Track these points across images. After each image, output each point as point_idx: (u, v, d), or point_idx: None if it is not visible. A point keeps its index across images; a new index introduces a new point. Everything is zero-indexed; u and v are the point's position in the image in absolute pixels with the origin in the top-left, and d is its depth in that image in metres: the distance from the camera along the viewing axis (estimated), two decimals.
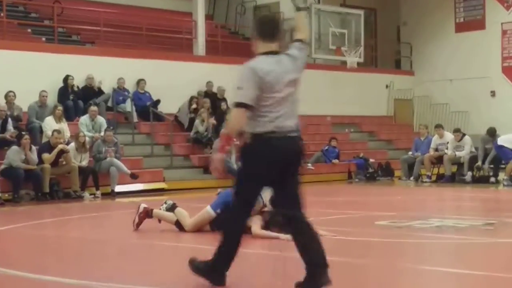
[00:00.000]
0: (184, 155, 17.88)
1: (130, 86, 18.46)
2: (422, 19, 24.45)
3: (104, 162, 15.03)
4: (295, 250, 5.07)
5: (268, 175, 5.01)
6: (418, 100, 24.49)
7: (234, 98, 4.99)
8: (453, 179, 17.49)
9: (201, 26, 20.50)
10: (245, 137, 5.06)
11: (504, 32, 22.97)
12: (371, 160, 19.80)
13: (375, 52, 25.57)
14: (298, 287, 5.04)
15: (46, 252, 7.79)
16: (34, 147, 14.25)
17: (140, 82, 18.53)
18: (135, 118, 18.06)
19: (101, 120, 16.29)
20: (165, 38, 21.05)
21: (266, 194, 8.20)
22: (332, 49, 22.38)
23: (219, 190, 8.98)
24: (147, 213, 8.66)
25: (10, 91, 15.43)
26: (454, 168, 17.74)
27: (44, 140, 15.03)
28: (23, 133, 14.52)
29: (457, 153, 17.46)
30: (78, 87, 17.29)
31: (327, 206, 12.08)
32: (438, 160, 17.92)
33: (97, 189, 14.69)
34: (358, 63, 22.85)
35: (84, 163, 14.81)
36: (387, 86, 24.28)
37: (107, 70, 17.84)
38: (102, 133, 15.66)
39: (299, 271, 5.04)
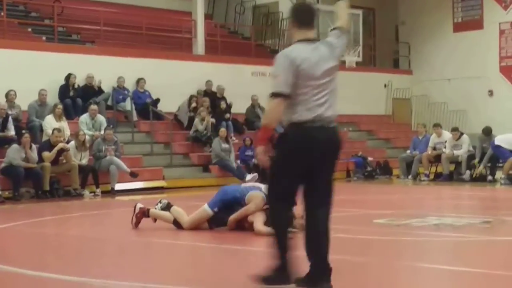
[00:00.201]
0: (184, 154, 17.93)
1: (130, 85, 18.50)
2: (420, 18, 24.50)
3: (104, 161, 15.09)
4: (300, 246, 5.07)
5: (304, 165, 4.86)
6: (416, 99, 24.56)
7: (270, 88, 4.84)
8: (451, 177, 17.55)
9: (200, 25, 20.54)
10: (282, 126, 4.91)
11: (502, 32, 23.03)
12: (370, 158, 19.86)
13: (374, 52, 25.61)
14: (297, 282, 5.05)
15: (46, 250, 7.83)
16: (34, 146, 14.30)
17: (140, 81, 18.57)
18: (135, 117, 18.11)
19: (101, 118, 16.34)
20: (164, 37, 21.09)
21: None
22: None
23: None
24: (144, 213, 8.69)
25: (11, 90, 15.47)
26: (452, 167, 17.81)
27: (44, 138, 15.08)
28: (23, 131, 14.57)
29: (455, 152, 17.52)
30: (78, 85, 17.34)
31: None
32: (436, 159, 17.98)
33: (97, 187, 14.73)
34: (357, 63, 22.88)
35: (84, 161, 14.86)
36: (385, 86, 24.33)
37: (107, 69, 17.88)
38: (102, 132, 15.71)
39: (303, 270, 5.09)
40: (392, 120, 24.56)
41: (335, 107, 4.92)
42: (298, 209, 8.11)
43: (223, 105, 18.98)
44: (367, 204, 12.62)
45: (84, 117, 16.19)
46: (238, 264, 6.61)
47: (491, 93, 23.23)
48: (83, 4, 20.64)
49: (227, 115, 18.83)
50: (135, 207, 8.80)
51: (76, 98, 17.07)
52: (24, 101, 15.73)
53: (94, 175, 14.77)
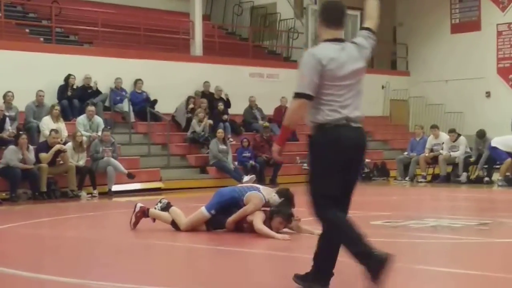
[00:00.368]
0: (181, 155, 17.93)
1: (127, 86, 18.49)
2: (418, 20, 24.52)
3: (101, 162, 15.08)
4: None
5: (338, 164, 4.73)
6: (413, 101, 24.58)
7: (295, 88, 4.74)
8: (448, 179, 17.57)
9: (198, 26, 20.55)
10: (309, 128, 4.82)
11: (499, 33, 23.05)
12: (367, 160, 19.84)
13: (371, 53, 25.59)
14: (296, 279, 5.03)
15: (43, 251, 7.82)
16: (31, 147, 14.28)
17: (137, 82, 18.57)
18: (132, 118, 18.09)
19: (98, 120, 16.33)
20: (162, 38, 21.08)
21: (267, 192, 8.28)
22: None
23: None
24: (144, 213, 8.70)
25: (9, 91, 15.45)
26: (449, 169, 17.83)
27: (42, 139, 15.07)
28: (20, 132, 14.57)
29: (452, 153, 17.55)
30: (77, 86, 17.33)
31: None
32: (434, 161, 18.00)
33: (94, 188, 14.73)
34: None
35: (82, 162, 14.85)
36: (383, 87, 24.34)
37: (104, 70, 17.87)
38: (100, 133, 15.70)
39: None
40: (390, 121, 24.57)
41: (361, 109, 4.83)
42: (297, 212, 8.15)
43: (221, 106, 18.98)
44: (364, 205, 12.59)
45: (82, 118, 16.18)
46: (236, 266, 6.61)
47: (488, 94, 23.25)
48: (80, 5, 20.64)
49: (225, 117, 18.83)
50: (135, 206, 8.79)
51: (73, 98, 17.06)
52: (21, 102, 15.72)
53: (91, 177, 14.76)
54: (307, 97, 4.68)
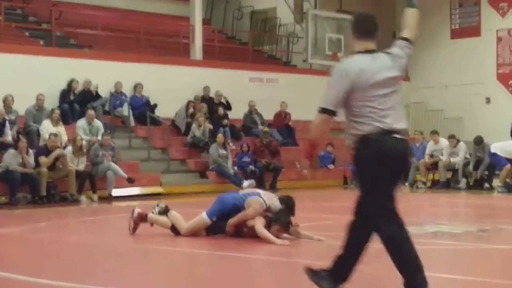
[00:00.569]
0: (181, 160, 17.93)
1: (127, 90, 18.49)
2: (417, 25, 24.52)
3: (101, 166, 15.07)
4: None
5: (387, 177, 4.66)
6: (413, 106, 24.56)
7: (320, 101, 4.74)
8: (448, 185, 17.56)
9: (198, 30, 20.56)
10: (351, 140, 4.78)
11: (499, 39, 23.07)
12: None
13: None
14: (308, 271, 5.03)
15: (42, 256, 7.81)
16: (31, 151, 14.28)
17: (137, 86, 18.57)
18: (132, 122, 18.09)
19: (98, 124, 16.33)
20: (162, 42, 21.10)
21: (269, 197, 8.27)
22: (329, 54, 22.47)
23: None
24: (142, 218, 8.66)
25: (9, 95, 15.45)
26: (449, 174, 17.82)
27: (42, 143, 15.06)
28: (20, 136, 14.56)
29: (451, 159, 17.54)
30: (78, 91, 17.35)
31: (323, 211, 12.13)
32: (433, 166, 18.00)
33: (94, 192, 14.72)
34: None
35: (81, 167, 14.84)
36: None
37: (104, 74, 17.87)
38: (99, 137, 15.70)
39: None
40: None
41: (403, 118, 4.74)
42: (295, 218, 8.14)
43: (220, 111, 18.98)
44: None
45: (81, 122, 16.18)
46: (236, 272, 6.60)
47: (488, 100, 23.26)
48: (80, 8, 20.66)
49: (225, 121, 18.83)
50: (133, 211, 8.76)
51: (74, 103, 17.07)
52: (21, 106, 15.72)
53: (91, 181, 14.75)
54: (329, 112, 4.67)
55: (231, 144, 18.34)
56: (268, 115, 20.34)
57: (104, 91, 17.98)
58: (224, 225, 8.22)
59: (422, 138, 19.04)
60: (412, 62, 25.16)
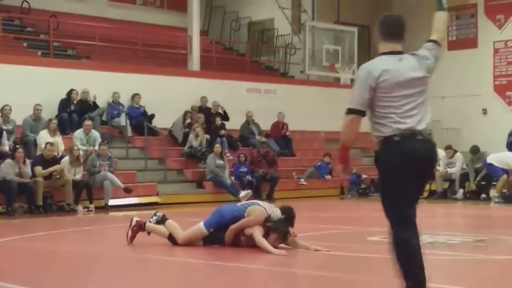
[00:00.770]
0: (178, 170, 17.92)
1: (124, 100, 18.51)
2: (414, 36, 24.26)
3: (98, 176, 15.07)
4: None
5: (408, 180, 4.56)
6: None
7: (347, 103, 4.68)
8: (445, 195, 17.58)
9: (195, 41, 20.60)
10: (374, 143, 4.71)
11: (496, 51, 23.15)
12: (364, 176, 19.86)
13: None
14: None
15: (38, 266, 7.78)
16: (28, 161, 14.28)
17: (134, 96, 18.59)
18: (129, 132, 18.09)
19: (95, 134, 16.34)
20: (160, 53, 21.14)
21: (269, 207, 8.28)
22: (326, 65, 22.56)
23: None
24: (140, 227, 8.67)
25: (6, 105, 15.47)
26: (446, 185, 17.84)
27: (39, 153, 15.04)
28: (17, 146, 14.56)
29: (448, 169, 17.57)
30: (76, 101, 17.36)
31: (320, 222, 12.13)
32: (430, 177, 18.00)
33: (91, 202, 14.71)
34: (352, 80, 22.98)
35: (78, 176, 14.84)
36: None
37: (102, 85, 17.88)
38: (97, 147, 15.70)
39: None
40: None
41: (428, 120, 4.64)
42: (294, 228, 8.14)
43: (218, 121, 18.99)
44: (361, 221, 12.61)
45: (78, 133, 16.18)
46: (233, 282, 6.59)
47: (485, 111, 23.32)
48: (78, 19, 20.69)
49: (222, 132, 18.85)
50: (131, 220, 8.76)
51: (73, 113, 17.08)
52: (19, 116, 15.73)
53: (88, 191, 14.74)
54: (357, 112, 4.61)
55: (228, 154, 18.35)
56: (266, 126, 20.37)
57: (102, 102, 17.98)
58: (222, 236, 8.22)
59: None
60: None
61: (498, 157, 16.64)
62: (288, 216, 8.11)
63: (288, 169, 19.43)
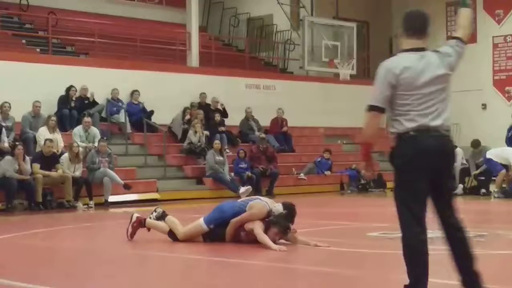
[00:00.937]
0: (178, 166, 17.93)
1: (124, 97, 18.50)
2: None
3: (98, 173, 15.07)
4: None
5: (420, 177, 4.60)
6: None
7: (368, 101, 4.74)
8: None
9: (194, 37, 20.58)
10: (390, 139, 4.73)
11: (495, 46, 23.14)
12: (363, 171, 19.86)
13: (368, 64, 25.67)
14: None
15: (38, 262, 7.78)
16: (27, 158, 14.28)
17: (134, 93, 18.58)
18: (129, 129, 18.09)
19: (94, 130, 16.34)
20: (159, 49, 21.12)
21: (270, 201, 8.28)
22: (325, 61, 22.54)
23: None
24: (140, 223, 8.68)
25: (6, 102, 15.47)
26: None
27: (38, 150, 15.05)
28: (16, 143, 14.56)
29: None
30: (75, 97, 17.36)
31: (320, 217, 12.13)
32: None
33: (91, 199, 14.72)
34: (351, 75, 23.00)
35: (78, 173, 14.84)
36: None
37: (101, 81, 17.88)
38: (96, 144, 15.70)
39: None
40: (386, 132, 24.56)
41: (446, 116, 4.65)
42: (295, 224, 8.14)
43: (217, 117, 18.99)
44: (360, 217, 12.62)
45: (78, 129, 16.18)
46: (234, 277, 6.59)
47: (484, 106, 23.32)
48: (77, 16, 20.68)
49: (221, 128, 18.84)
50: (131, 217, 8.77)
51: (73, 109, 17.08)
52: (17, 113, 15.72)
53: (88, 187, 14.75)
54: (377, 109, 4.64)
55: (227, 150, 18.36)
56: (265, 122, 20.37)
57: (101, 98, 17.98)
58: (222, 232, 8.22)
59: None
60: None
61: (496, 152, 16.66)
62: (289, 211, 8.12)
63: (288, 165, 19.44)
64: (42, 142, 14.87)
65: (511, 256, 8.02)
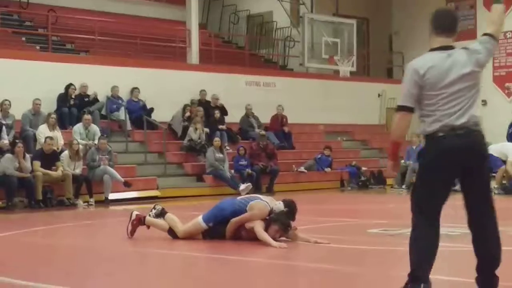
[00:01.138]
0: (178, 163, 17.93)
1: (124, 94, 18.50)
2: (414, 28, 24.56)
3: (98, 170, 15.07)
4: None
5: (442, 177, 4.66)
6: None
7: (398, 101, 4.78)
8: None
9: (194, 35, 20.57)
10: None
11: None
12: (363, 168, 19.89)
13: (367, 61, 25.69)
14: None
15: (39, 260, 7.79)
16: (27, 155, 14.29)
17: (134, 90, 18.58)
18: (129, 126, 18.08)
19: (94, 128, 16.34)
20: (159, 46, 21.12)
21: (270, 200, 8.28)
22: (325, 58, 22.54)
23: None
24: (140, 220, 8.67)
25: (6, 100, 15.47)
26: None
27: (38, 148, 15.05)
28: (16, 141, 14.56)
29: None
30: (75, 95, 17.35)
31: (320, 214, 12.14)
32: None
33: (91, 196, 14.72)
34: (351, 72, 23.00)
35: (78, 171, 14.84)
36: (379, 95, 24.38)
37: (101, 79, 17.87)
38: (96, 141, 15.71)
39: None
40: (386, 129, 24.58)
41: (473, 113, 4.63)
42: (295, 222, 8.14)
43: (217, 114, 18.99)
44: (361, 213, 12.62)
45: (78, 127, 16.18)
46: (234, 275, 6.60)
47: (484, 103, 23.25)
48: (77, 13, 20.67)
49: (221, 126, 18.84)
50: (131, 214, 8.77)
51: (72, 107, 17.08)
52: (17, 111, 15.72)
53: (88, 185, 14.75)
54: (406, 109, 4.69)
55: (228, 147, 18.36)
56: (265, 119, 20.38)
57: (101, 96, 17.97)
58: (222, 229, 8.22)
59: (419, 141, 19.04)
60: None
61: (497, 148, 16.64)
62: (290, 209, 8.12)
63: (288, 162, 19.44)
64: (42, 140, 14.87)
65: (511, 253, 8.02)
